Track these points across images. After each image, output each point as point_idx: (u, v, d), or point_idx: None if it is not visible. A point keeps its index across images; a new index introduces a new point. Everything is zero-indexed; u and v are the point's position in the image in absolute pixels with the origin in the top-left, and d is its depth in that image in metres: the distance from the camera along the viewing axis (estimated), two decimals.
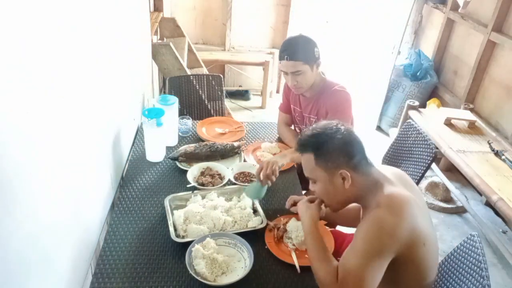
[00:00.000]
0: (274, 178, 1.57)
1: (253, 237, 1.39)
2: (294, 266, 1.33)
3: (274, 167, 1.56)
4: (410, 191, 1.24)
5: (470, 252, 1.27)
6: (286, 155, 1.75)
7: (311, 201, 1.41)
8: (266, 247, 1.40)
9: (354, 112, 1.90)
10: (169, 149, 1.93)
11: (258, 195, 1.56)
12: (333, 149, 1.21)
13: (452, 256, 1.34)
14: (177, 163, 1.79)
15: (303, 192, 1.90)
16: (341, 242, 1.65)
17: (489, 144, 2.59)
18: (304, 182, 1.94)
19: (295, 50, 1.72)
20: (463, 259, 1.29)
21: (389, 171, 1.32)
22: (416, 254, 1.18)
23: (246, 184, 1.70)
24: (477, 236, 1.28)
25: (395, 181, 1.26)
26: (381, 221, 1.13)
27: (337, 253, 1.43)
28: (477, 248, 1.24)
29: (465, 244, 1.31)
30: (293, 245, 1.40)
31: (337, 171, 1.21)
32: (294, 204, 1.54)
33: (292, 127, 2.14)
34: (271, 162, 1.58)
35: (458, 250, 1.33)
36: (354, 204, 1.60)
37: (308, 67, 1.74)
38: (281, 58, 1.76)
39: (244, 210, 1.52)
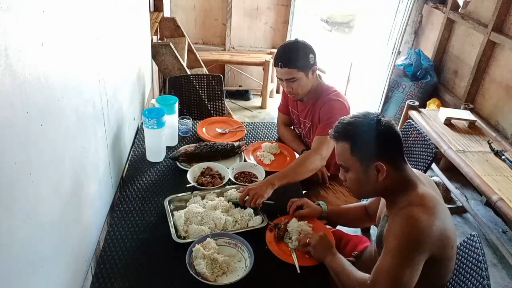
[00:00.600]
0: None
1: (254, 237, 1.39)
2: (294, 266, 1.33)
3: (258, 201, 1.49)
4: (437, 194, 1.23)
5: (470, 252, 1.27)
6: (280, 178, 1.59)
7: (320, 238, 1.35)
8: (266, 247, 1.39)
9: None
10: (169, 149, 1.93)
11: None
12: (371, 140, 1.17)
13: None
14: (177, 163, 1.79)
15: (303, 192, 1.91)
16: (343, 242, 1.65)
17: (489, 144, 2.59)
18: (304, 182, 1.94)
19: (289, 58, 1.70)
20: (463, 259, 1.29)
21: (419, 173, 1.30)
22: (446, 256, 1.15)
23: (246, 184, 1.70)
24: (477, 236, 1.28)
25: (426, 182, 1.24)
26: (416, 219, 1.09)
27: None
28: (477, 248, 1.24)
29: (465, 244, 1.31)
30: (293, 245, 1.40)
31: (372, 162, 1.18)
32: (297, 208, 1.53)
33: (292, 127, 2.14)
34: (257, 194, 1.49)
35: (458, 250, 1.33)
36: (356, 204, 1.60)
37: (302, 74, 1.72)
38: (275, 65, 1.75)
39: (245, 210, 1.53)
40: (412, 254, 1.08)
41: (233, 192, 1.59)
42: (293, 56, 1.70)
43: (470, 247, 1.28)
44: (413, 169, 1.27)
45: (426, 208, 1.11)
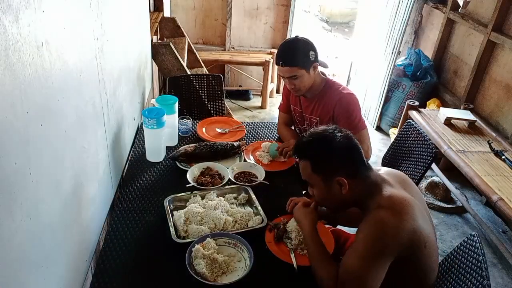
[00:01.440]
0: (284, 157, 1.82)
1: (254, 237, 1.39)
2: (293, 265, 1.33)
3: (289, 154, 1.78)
4: (410, 192, 1.24)
5: (470, 252, 1.27)
6: None
7: (307, 204, 1.42)
8: (266, 247, 1.40)
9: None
10: (169, 149, 1.93)
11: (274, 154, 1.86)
12: (330, 157, 1.23)
13: (452, 256, 1.35)
14: (177, 163, 1.79)
15: (303, 192, 1.91)
16: (342, 241, 1.65)
17: (489, 144, 2.59)
18: (305, 183, 1.94)
19: (290, 55, 1.72)
20: (463, 259, 1.29)
21: (388, 173, 1.32)
22: (417, 256, 1.18)
23: (246, 184, 1.70)
24: (477, 236, 1.28)
25: (394, 183, 1.26)
26: (383, 222, 1.13)
27: (339, 252, 1.44)
28: (477, 248, 1.24)
29: (465, 244, 1.31)
30: (292, 245, 1.40)
31: (333, 178, 1.22)
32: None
33: (292, 127, 2.14)
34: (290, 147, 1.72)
35: (458, 250, 1.33)
36: None
37: (304, 71, 1.74)
38: (277, 63, 1.77)
39: (245, 210, 1.53)
40: (379, 256, 1.12)
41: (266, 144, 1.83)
42: (293, 55, 1.72)
43: (470, 247, 1.28)
44: (382, 169, 1.32)
45: (394, 210, 1.14)
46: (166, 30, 3.46)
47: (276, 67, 4.11)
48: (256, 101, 4.37)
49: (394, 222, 1.12)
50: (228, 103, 3.98)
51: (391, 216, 1.13)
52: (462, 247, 1.32)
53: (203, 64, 3.62)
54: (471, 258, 1.25)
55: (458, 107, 3.20)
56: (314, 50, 1.75)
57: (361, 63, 4.32)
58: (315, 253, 1.29)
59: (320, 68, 1.87)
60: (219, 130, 2.15)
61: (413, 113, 3.04)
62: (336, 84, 1.84)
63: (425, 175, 2.07)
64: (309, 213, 1.38)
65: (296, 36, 1.79)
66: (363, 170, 1.24)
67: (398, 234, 1.11)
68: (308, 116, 1.92)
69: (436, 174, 3.10)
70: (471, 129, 2.82)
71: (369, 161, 2.02)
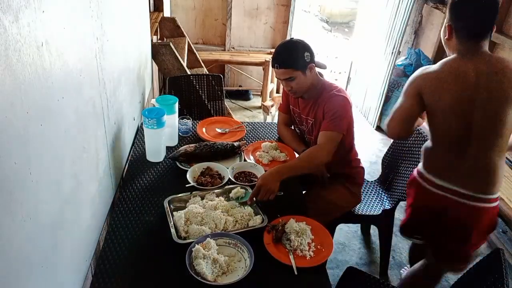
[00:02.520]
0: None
1: (254, 237, 1.39)
2: (292, 267, 1.33)
3: (271, 197, 1.56)
4: None
5: (492, 267, 1.26)
6: (288, 170, 1.66)
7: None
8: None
9: (354, 113, 1.89)
10: (169, 149, 1.93)
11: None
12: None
13: (475, 271, 1.34)
14: (177, 163, 1.79)
15: (303, 192, 1.91)
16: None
17: None
18: (304, 183, 1.95)
19: (284, 58, 1.73)
20: (485, 274, 1.27)
21: None
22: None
23: (246, 184, 1.70)
24: (502, 252, 1.26)
25: None
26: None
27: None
28: (500, 263, 1.23)
29: (489, 259, 1.30)
30: (291, 246, 1.40)
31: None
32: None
33: (292, 127, 2.14)
34: (270, 190, 1.56)
35: (481, 265, 1.32)
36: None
37: (299, 72, 1.73)
38: (272, 66, 1.78)
39: (245, 210, 1.53)
40: None
41: (239, 190, 1.61)
42: (288, 57, 1.73)
43: (493, 262, 1.26)
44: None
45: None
46: (166, 30, 3.47)
47: None
48: (256, 101, 4.37)
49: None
50: (228, 103, 3.98)
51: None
52: (485, 261, 1.31)
53: (203, 64, 3.62)
54: (493, 273, 1.23)
55: None
56: (310, 51, 1.74)
57: (361, 63, 4.32)
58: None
59: (318, 70, 1.87)
60: (219, 130, 2.15)
61: None
62: (332, 86, 1.83)
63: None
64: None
65: (291, 38, 1.79)
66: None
67: None
68: (305, 117, 1.92)
69: None
70: None
71: (369, 161, 2.04)
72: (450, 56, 1.49)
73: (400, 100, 1.55)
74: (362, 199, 2.11)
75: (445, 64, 1.46)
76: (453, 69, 1.43)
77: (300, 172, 1.72)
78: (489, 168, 1.46)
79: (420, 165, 1.62)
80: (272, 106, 3.62)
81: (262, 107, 3.70)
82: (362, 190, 2.13)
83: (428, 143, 1.60)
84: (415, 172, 1.65)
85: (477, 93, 1.40)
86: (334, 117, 1.73)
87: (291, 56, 1.72)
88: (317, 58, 1.84)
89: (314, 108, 1.86)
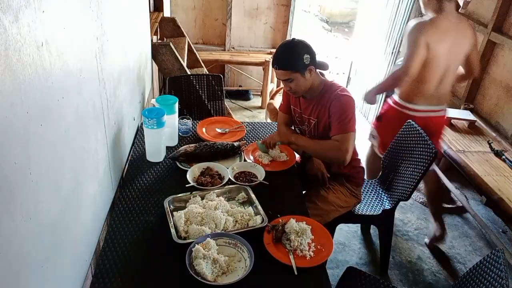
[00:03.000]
0: (271, 150, 1.93)
1: (254, 237, 1.39)
2: (292, 267, 1.33)
3: (271, 143, 1.91)
4: None
5: (492, 267, 1.25)
6: (298, 142, 1.88)
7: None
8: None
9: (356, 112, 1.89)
10: (169, 149, 1.93)
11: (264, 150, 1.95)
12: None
13: (474, 271, 1.33)
14: (177, 163, 1.79)
15: (303, 192, 1.91)
16: None
17: (489, 144, 2.59)
18: (305, 183, 1.94)
19: (283, 59, 1.73)
20: (484, 274, 1.27)
21: None
22: None
23: (246, 184, 1.70)
24: (501, 252, 1.26)
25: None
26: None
27: None
28: (500, 264, 1.23)
29: (488, 259, 1.29)
30: (291, 246, 1.40)
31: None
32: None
33: (292, 127, 2.14)
34: (272, 140, 1.90)
35: (480, 265, 1.32)
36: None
37: (298, 74, 1.73)
38: (272, 66, 1.79)
39: (245, 209, 1.53)
40: None
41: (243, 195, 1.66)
42: (287, 58, 1.73)
43: (493, 262, 1.26)
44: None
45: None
46: (166, 30, 3.46)
47: None
48: (256, 101, 4.37)
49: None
50: (228, 103, 3.98)
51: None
52: (485, 261, 1.31)
53: (203, 64, 3.62)
54: (493, 274, 1.23)
55: (458, 107, 3.20)
56: (310, 53, 1.73)
57: (361, 63, 4.32)
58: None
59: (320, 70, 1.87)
60: (219, 130, 2.15)
61: None
62: (335, 86, 1.83)
63: (425, 175, 2.07)
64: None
65: (293, 39, 1.79)
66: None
67: None
68: (307, 117, 1.92)
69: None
70: (471, 129, 2.82)
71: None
72: (432, 14, 2.16)
73: (412, 49, 2.12)
74: (362, 199, 2.11)
75: (440, 20, 2.11)
76: (445, 25, 2.10)
77: (309, 152, 1.89)
78: (446, 92, 2.29)
79: (396, 97, 2.37)
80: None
81: (269, 106, 3.58)
82: (362, 190, 2.13)
83: (406, 79, 2.19)
84: (390, 102, 2.40)
85: (456, 43, 2.13)
86: (344, 118, 1.75)
87: (291, 58, 1.72)
88: (318, 58, 1.84)
89: (317, 108, 1.85)
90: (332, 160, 1.89)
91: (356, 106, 1.82)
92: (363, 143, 2.07)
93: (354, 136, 1.78)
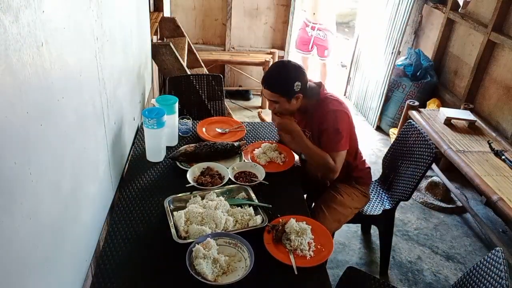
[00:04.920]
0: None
1: (254, 237, 1.39)
2: (292, 267, 1.33)
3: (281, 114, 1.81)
4: None
5: (492, 267, 1.25)
6: (299, 139, 1.80)
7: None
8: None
9: (354, 113, 1.88)
10: (169, 149, 1.93)
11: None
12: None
13: (474, 271, 1.33)
14: (177, 163, 1.79)
15: (305, 195, 1.91)
16: None
17: (489, 144, 2.59)
18: (305, 183, 1.94)
19: (273, 81, 1.72)
20: (484, 273, 1.27)
21: None
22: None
23: (246, 184, 1.70)
24: (501, 251, 1.26)
25: None
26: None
27: None
28: (500, 264, 1.23)
29: (488, 259, 1.29)
30: (291, 246, 1.40)
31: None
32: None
33: None
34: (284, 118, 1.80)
35: (480, 265, 1.32)
36: None
37: (284, 99, 1.72)
38: (262, 83, 1.77)
39: (245, 209, 1.53)
40: None
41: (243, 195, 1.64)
42: (277, 82, 1.71)
43: (493, 262, 1.26)
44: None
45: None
46: (166, 30, 3.46)
47: None
48: (256, 101, 4.37)
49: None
50: (228, 103, 3.97)
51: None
52: (484, 261, 1.30)
53: (203, 64, 3.62)
54: (492, 274, 1.23)
55: (458, 107, 3.20)
56: (302, 80, 1.71)
57: (361, 63, 4.32)
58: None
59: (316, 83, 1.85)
60: (219, 130, 2.14)
61: (413, 113, 3.04)
62: (329, 100, 1.79)
63: (425, 175, 2.07)
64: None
65: (289, 61, 1.77)
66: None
67: None
68: (302, 129, 1.91)
69: (436, 174, 3.10)
70: (471, 129, 2.82)
71: (369, 161, 2.05)
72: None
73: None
74: (370, 198, 2.10)
75: None
76: None
77: (305, 154, 1.86)
78: None
79: None
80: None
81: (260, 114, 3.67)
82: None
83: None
84: None
85: None
86: (334, 136, 1.74)
87: (280, 82, 1.71)
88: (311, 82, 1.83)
89: (311, 122, 1.84)
90: (320, 174, 1.90)
91: (350, 117, 1.80)
92: (363, 143, 2.07)
93: (344, 153, 1.79)
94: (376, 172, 2.67)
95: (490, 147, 2.56)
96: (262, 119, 3.54)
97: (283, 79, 1.71)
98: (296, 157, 1.98)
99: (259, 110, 3.97)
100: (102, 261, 1.31)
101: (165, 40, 3.45)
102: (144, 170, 1.78)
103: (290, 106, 1.75)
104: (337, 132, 1.73)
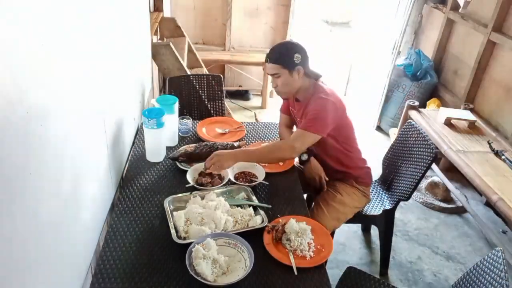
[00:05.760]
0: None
1: (254, 237, 1.39)
2: (292, 267, 1.33)
3: (217, 171, 1.70)
4: None
5: (491, 267, 1.25)
6: (247, 156, 1.74)
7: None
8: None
9: (354, 113, 1.87)
10: (169, 149, 1.93)
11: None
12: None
13: (474, 271, 1.33)
14: (177, 163, 1.79)
15: (305, 195, 1.91)
16: None
17: (489, 144, 2.59)
18: (305, 183, 1.94)
19: (275, 54, 1.77)
20: (484, 273, 1.27)
21: None
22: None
23: (246, 184, 1.70)
24: (501, 251, 1.26)
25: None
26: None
27: None
28: (500, 264, 1.23)
29: (488, 259, 1.29)
30: (291, 246, 1.40)
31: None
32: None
33: (294, 128, 2.13)
34: (219, 165, 1.66)
35: (480, 264, 1.32)
36: None
37: (286, 71, 1.74)
38: (265, 60, 1.81)
39: (245, 210, 1.53)
40: None
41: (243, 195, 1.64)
42: (278, 54, 1.76)
43: (493, 262, 1.26)
44: None
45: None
46: (166, 30, 3.46)
47: None
48: (256, 101, 4.37)
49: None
50: (228, 103, 3.97)
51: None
52: (484, 261, 1.30)
53: (203, 64, 3.62)
54: (492, 273, 1.23)
55: (458, 107, 3.20)
56: (302, 54, 1.75)
57: (361, 63, 4.32)
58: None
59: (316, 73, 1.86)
60: (219, 130, 2.14)
61: (413, 113, 3.04)
62: (321, 89, 1.80)
63: (425, 175, 2.07)
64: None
65: (290, 40, 1.81)
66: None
67: None
68: (299, 120, 1.92)
69: (436, 174, 3.10)
70: (471, 129, 2.82)
71: (369, 161, 2.04)
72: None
73: None
74: (371, 198, 2.10)
75: None
76: None
77: (258, 161, 1.79)
78: None
79: None
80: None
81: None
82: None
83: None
84: None
85: None
86: (312, 117, 1.73)
87: (282, 54, 1.75)
88: (313, 67, 1.83)
89: (305, 111, 1.85)
90: (282, 159, 1.86)
91: (341, 110, 1.79)
92: (363, 143, 2.06)
93: (313, 137, 1.71)
94: (376, 172, 2.67)
95: (490, 147, 2.56)
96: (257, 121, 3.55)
97: (283, 50, 1.77)
98: (296, 158, 1.98)
99: (255, 113, 3.98)
100: (102, 261, 1.31)
101: (165, 40, 3.45)
102: (144, 170, 1.78)
103: (293, 80, 1.77)
104: (315, 114, 1.73)
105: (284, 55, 1.75)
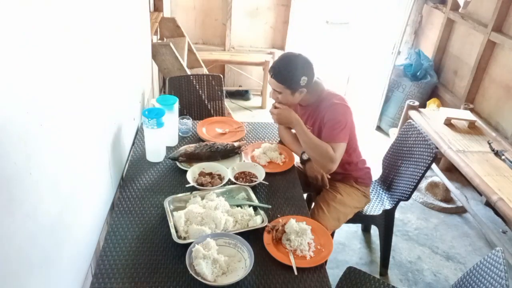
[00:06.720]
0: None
1: (254, 237, 1.39)
2: (292, 267, 1.33)
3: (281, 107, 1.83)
4: None
5: (492, 267, 1.25)
6: (299, 127, 1.78)
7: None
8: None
9: (354, 113, 1.87)
10: (169, 149, 1.93)
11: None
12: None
13: (474, 271, 1.33)
14: (177, 163, 1.79)
15: (305, 195, 1.91)
16: None
17: (489, 144, 2.59)
18: (305, 183, 1.94)
19: (280, 72, 1.72)
20: (484, 273, 1.27)
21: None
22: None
23: (246, 184, 1.70)
24: (501, 251, 1.26)
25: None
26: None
27: None
28: (500, 264, 1.23)
29: (488, 259, 1.29)
30: (291, 246, 1.40)
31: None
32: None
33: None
34: (281, 115, 1.83)
35: (480, 265, 1.32)
36: None
37: (288, 91, 1.74)
38: (269, 71, 1.78)
39: (245, 210, 1.53)
40: None
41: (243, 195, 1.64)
42: (284, 73, 1.71)
43: (493, 262, 1.26)
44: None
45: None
46: (166, 30, 3.46)
47: None
48: (256, 101, 4.37)
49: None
50: (228, 103, 3.97)
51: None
52: (484, 261, 1.30)
53: (203, 64, 3.62)
54: (492, 273, 1.23)
55: (458, 107, 3.20)
56: (309, 75, 1.72)
57: (361, 63, 4.32)
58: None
59: (319, 78, 1.85)
60: (219, 130, 2.14)
61: (413, 113, 3.04)
62: (331, 94, 1.81)
63: (425, 175, 2.07)
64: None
65: (299, 54, 1.75)
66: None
67: None
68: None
69: (436, 174, 3.10)
70: (471, 129, 2.82)
71: (369, 161, 2.04)
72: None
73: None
74: (371, 199, 2.10)
75: None
76: None
77: (303, 143, 1.79)
78: None
79: None
80: None
81: None
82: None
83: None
84: None
85: None
86: (337, 127, 1.73)
87: (287, 74, 1.71)
88: (316, 74, 1.81)
89: (314, 116, 1.85)
90: (319, 165, 1.84)
91: (352, 114, 1.80)
92: (363, 143, 2.07)
93: (344, 146, 1.75)
94: (376, 172, 2.67)
95: (490, 147, 2.56)
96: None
97: (290, 71, 1.71)
98: (297, 158, 1.98)
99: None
100: (102, 261, 1.31)
101: (165, 40, 3.45)
102: (144, 170, 1.78)
103: (293, 99, 1.78)
104: (339, 122, 1.74)
105: (291, 77, 1.71)
